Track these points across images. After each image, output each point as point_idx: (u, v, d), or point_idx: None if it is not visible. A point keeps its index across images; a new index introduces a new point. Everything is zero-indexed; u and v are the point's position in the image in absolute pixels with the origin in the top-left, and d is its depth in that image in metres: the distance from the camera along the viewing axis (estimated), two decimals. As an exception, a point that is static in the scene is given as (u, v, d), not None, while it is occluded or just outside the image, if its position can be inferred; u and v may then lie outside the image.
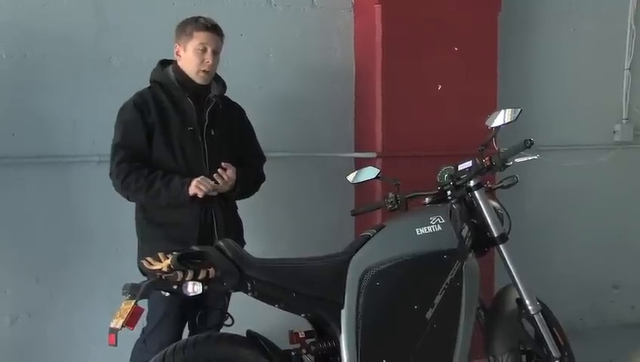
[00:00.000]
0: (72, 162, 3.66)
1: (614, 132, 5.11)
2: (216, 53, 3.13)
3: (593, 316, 4.89)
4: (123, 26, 3.74)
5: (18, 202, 3.59)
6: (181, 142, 3.08)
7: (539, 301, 3.15)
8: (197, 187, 2.97)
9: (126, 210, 3.20)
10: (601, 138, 5.05)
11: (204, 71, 3.10)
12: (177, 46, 3.15)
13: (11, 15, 3.54)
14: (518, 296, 3.14)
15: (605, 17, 5.01)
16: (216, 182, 3.01)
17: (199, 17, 3.14)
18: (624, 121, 5.12)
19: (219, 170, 3.03)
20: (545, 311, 3.17)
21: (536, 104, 4.68)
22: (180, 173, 3.04)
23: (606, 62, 5.05)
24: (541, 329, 3.13)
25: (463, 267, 2.92)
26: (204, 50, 3.09)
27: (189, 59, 3.10)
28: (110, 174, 3.09)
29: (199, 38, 3.09)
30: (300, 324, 2.80)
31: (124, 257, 3.25)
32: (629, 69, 5.10)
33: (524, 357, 3.14)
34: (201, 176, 2.99)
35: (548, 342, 3.13)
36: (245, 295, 2.62)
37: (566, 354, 3.17)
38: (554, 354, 3.12)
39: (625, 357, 4.37)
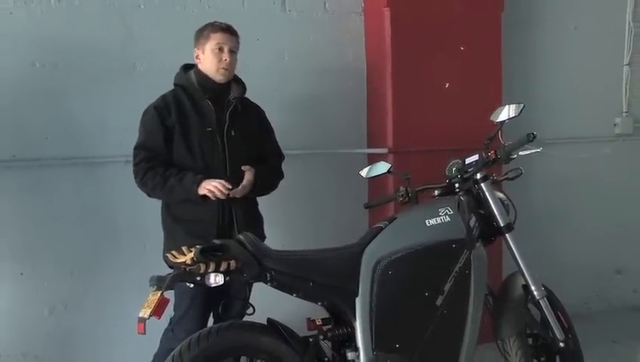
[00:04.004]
0: (100, 163, 3.68)
1: (615, 125, 5.07)
2: (233, 52, 3.13)
3: (597, 300, 4.85)
4: (146, 34, 3.75)
5: (52, 201, 3.61)
6: (200, 142, 3.07)
7: (544, 286, 3.12)
8: (207, 189, 2.95)
9: (152, 208, 3.21)
10: (602, 130, 5.02)
11: (223, 68, 3.10)
12: (197, 50, 3.15)
13: (44, 28, 3.57)
14: (524, 283, 3.11)
15: (605, 15, 4.97)
16: (230, 189, 2.98)
17: (214, 21, 3.15)
18: (624, 114, 5.08)
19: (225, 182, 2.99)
20: (550, 296, 3.14)
21: (540, 99, 4.63)
22: (199, 172, 3.02)
23: (606, 58, 5.01)
24: (546, 314, 3.10)
25: (471, 256, 2.89)
26: (221, 50, 3.09)
27: (208, 59, 3.10)
28: (133, 173, 3.10)
29: (216, 38, 3.09)
30: (317, 312, 2.80)
31: (151, 251, 3.25)
32: (629, 64, 5.06)
33: (530, 340, 3.11)
34: (217, 180, 2.96)
35: (553, 326, 3.10)
36: (265, 285, 2.62)
37: (570, 336, 3.15)
38: (558, 337, 3.09)
39: (627, 338, 4.33)
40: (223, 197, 2.98)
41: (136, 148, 3.09)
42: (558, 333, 3.09)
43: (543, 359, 3.15)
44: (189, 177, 2.99)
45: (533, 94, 4.60)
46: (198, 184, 2.97)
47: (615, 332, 4.42)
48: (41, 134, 3.59)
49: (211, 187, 2.94)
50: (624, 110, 5.08)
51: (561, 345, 3.10)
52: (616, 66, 5.06)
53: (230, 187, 2.97)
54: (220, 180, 2.97)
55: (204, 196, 2.97)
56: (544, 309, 3.10)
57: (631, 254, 5.06)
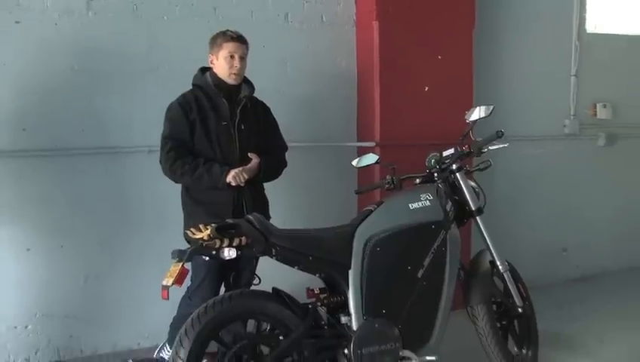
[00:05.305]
0: (127, 152, 3.59)
1: (564, 126, 5.04)
2: (242, 58, 3.04)
3: (546, 274, 4.79)
4: (169, 41, 3.65)
5: (87, 185, 3.53)
6: (217, 134, 2.99)
7: (507, 262, 3.13)
8: (233, 177, 2.90)
9: (171, 192, 3.13)
10: (553, 131, 4.99)
11: (234, 74, 3.02)
12: (211, 56, 3.07)
13: (83, 36, 3.48)
14: (491, 258, 3.12)
15: (556, 35, 4.96)
16: (246, 177, 2.94)
17: (227, 30, 3.06)
18: (572, 117, 5.05)
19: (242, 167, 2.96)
20: (512, 270, 3.17)
21: (503, 102, 4.56)
22: (217, 160, 2.96)
23: (557, 69, 4.99)
24: (509, 284, 3.13)
25: (447, 235, 2.87)
26: (232, 57, 3.00)
27: (221, 65, 3.02)
28: (160, 161, 3.01)
29: (227, 47, 3.00)
30: (315, 282, 2.76)
31: (169, 230, 3.17)
32: (575, 75, 5.04)
33: (495, 307, 3.11)
34: (239, 169, 2.92)
35: (514, 294, 3.13)
36: (270, 258, 2.58)
37: (527, 303, 3.19)
38: (518, 304, 3.13)
39: (570, 304, 4.37)
40: (243, 185, 2.94)
41: (165, 137, 3.00)
42: (518, 301, 3.13)
43: (504, 322, 3.17)
44: (217, 168, 2.93)
45: (498, 98, 4.52)
46: (226, 174, 2.91)
47: (560, 299, 4.44)
48: (78, 127, 3.50)
49: (234, 174, 2.90)
50: (572, 113, 5.06)
51: (520, 310, 3.14)
52: (565, 77, 5.04)
53: (245, 177, 2.93)
54: (239, 168, 2.93)
55: (228, 183, 2.91)
56: (507, 281, 3.13)
57: (574, 235, 5.06)
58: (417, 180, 3.06)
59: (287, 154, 3.29)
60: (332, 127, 4.11)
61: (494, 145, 3.02)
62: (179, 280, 2.33)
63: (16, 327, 3.41)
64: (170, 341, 3.03)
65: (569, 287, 4.80)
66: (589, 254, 5.10)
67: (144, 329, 3.64)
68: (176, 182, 3.05)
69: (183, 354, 2.35)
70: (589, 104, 5.12)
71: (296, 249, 2.59)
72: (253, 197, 3.04)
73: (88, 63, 3.50)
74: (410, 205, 2.83)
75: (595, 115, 5.13)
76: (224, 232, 2.42)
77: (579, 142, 5.07)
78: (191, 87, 3.09)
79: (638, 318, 4.10)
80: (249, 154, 3.01)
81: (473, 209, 3.01)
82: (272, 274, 2.73)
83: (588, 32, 5.11)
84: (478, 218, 3.04)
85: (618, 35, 5.26)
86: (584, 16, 5.08)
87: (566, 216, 5.00)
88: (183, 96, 3.05)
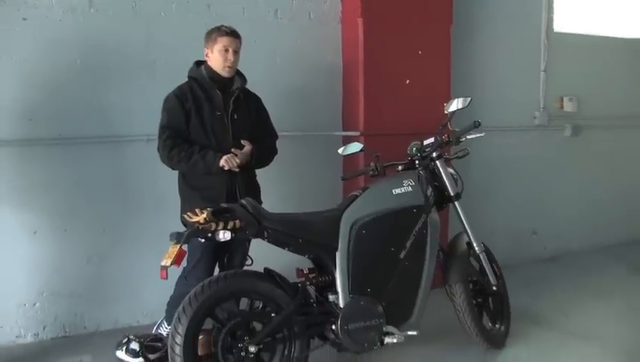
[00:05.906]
0: (127, 141, 3.52)
1: (534, 117, 5.03)
2: (236, 52, 2.98)
3: (518, 254, 4.79)
4: (165, 36, 3.57)
5: (89, 171, 3.46)
6: (211, 124, 2.93)
7: (482, 244, 3.13)
8: (226, 161, 2.85)
9: (167, 178, 3.08)
10: (524, 122, 4.97)
11: (228, 67, 2.96)
12: (206, 49, 3.00)
13: (85, 32, 3.41)
14: (468, 240, 3.12)
15: (526, 33, 4.94)
16: (238, 162, 2.88)
17: (221, 25, 3.00)
18: (541, 110, 5.04)
19: (234, 149, 2.91)
20: (487, 251, 3.17)
21: (478, 95, 4.49)
22: (211, 148, 2.90)
23: (528, 65, 4.97)
24: (484, 265, 3.13)
25: (428, 218, 2.86)
26: (227, 51, 2.94)
27: (216, 59, 2.96)
28: (158, 149, 2.96)
29: (222, 42, 2.94)
30: (305, 263, 2.74)
31: (167, 214, 3.11)
32: (544, 70, 5.03)
33: (471, 285, 3.11)
34: (231, 154, 2.87)
35: (488, 274, 3.13)
36: (262, 240, 2.55)
37: (500, 282, 3.21)
38: (492, 282, 3.14)
39: (537, 282, 4.37)
40: (236, 169, 2.88)
41: (162, 127, 2.93)
42: (492, 279, 3.14)
43: (479, 299, 3.18)
44: (211, 154, 2.87)
45: (473, 91, 4.47)
46: (219, 159, 2.85)
47: (529, 278, 4.45)
48: (81, 117, 3.42)
49: (226, 158, 2.85)
50: (541, 106, 5.04)
51: (494, 288, 3.16)
52: (535, 72, 5.02)
53: (237, 161, 2.88)
54: (230, 154, 2.88)
55: (222, 168, 2.86)
56: (482, 261, 3.13)
57: (543, 219, 5.06)
58: (400, 167, 3.04)
59: (277, 142, 3.24)
60: (319, 117, 4.05)
61: (472, 134, 3.01)
62: (177, 260, 2.31)
63: (25, 305, 3.37)
64: (168, 318, 3.00)
65: (538, 267, 4.80)
66: (557, 237, 5.11)
67: (143, 307, 3.60)
68: (173, 169, 2.99)
69: (181, 330, 2.33)
70: (556, 97, 5.11)
71: (286, 232, 2.56)
72: (245, 182, 2.99)
73: (90, 58, 3.42)
74: (393, 190, 2.82)
75: (562, 107, 5.12)
76: (219, 216, 2.40)
77: (547, 132, 5.06)
78: (186, 80, 3.03)
79: (600, 295, 4.12)
80: (242, 141, 2.96)
81: (452, 194, 3.01)
82: (264, 255, 2.70)
83: (555, 31, 5.10)
84: (456, 203, 3.04)
85: (582, 34, 5.26)
86: (552, 16, 5.07)
87: (535, 201, 5.00)
88: (179, 87, 2.98)
